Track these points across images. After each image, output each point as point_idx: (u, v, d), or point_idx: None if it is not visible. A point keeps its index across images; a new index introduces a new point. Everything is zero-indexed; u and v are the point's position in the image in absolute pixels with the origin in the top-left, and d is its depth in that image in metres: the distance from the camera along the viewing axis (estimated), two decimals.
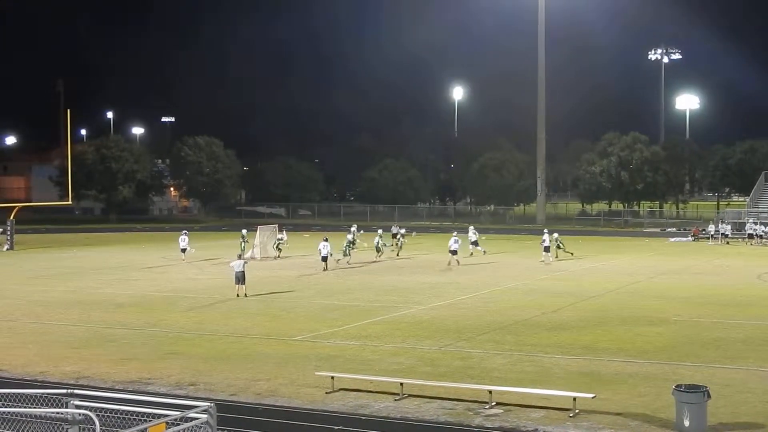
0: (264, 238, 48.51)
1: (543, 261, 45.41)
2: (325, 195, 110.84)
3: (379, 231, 49.30)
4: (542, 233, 48.13)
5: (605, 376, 18.97)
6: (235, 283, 32.06)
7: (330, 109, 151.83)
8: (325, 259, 41.20)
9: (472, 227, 53.01)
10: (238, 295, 31.75)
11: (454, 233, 46.62)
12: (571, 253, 47.93)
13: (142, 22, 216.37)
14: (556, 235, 48.43)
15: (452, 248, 44.40)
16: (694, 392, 14.72)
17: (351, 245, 45.62)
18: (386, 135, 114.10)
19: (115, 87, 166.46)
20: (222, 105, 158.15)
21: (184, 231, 49.06)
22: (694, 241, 64.75)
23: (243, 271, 32.15)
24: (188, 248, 46.83)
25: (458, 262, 44.11)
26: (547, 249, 45.96)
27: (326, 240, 42.18)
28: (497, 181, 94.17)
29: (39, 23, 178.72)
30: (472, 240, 49.83)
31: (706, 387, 14.94)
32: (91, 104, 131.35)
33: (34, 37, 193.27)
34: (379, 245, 47.16)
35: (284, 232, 50.31)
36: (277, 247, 48.15)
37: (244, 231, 50.96)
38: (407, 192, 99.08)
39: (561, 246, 48.03)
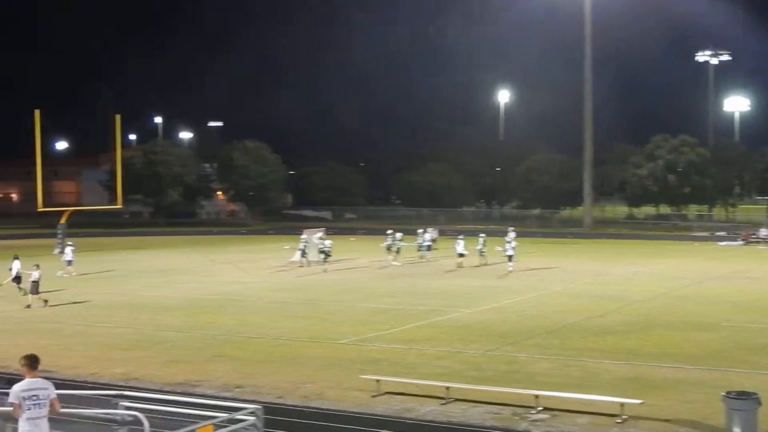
0: (310, 241, 48.58)
1: (511, 270, 41.70)
2: (371, 199, 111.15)
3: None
4: (478, 238, 47.08)
5: (653, 381, 18.73)
6: (29, 292, 31.25)
7: (376, 112, 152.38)
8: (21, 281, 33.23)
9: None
10: (29, 306, 30.54)
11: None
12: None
13: (191, 27, 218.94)
14: (482, 238, 47.06)
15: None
16: (744, 399, 14.48)
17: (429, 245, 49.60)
18: (431, 138, 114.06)
19: (164, 92, 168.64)
20: (268, 109, 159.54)
21: (16, 255, 36.25)
22: (744, 245, 63.79)
23: (37, 282, 31.36)
24: (20, 275, 34.11)
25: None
26: (510, 257, 42.31)
27: (17, 258, 35.03)
28: (543, 183, 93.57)
29: (89, 30, 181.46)
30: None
31: (757, 394, 14.68)
32: (140, 110, 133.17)
33: (84, 44, 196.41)
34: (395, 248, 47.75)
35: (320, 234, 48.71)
36: (321, 251, 47.88)
37: (391, 232, 48.03)
38: (452, 195, 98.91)
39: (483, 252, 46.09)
